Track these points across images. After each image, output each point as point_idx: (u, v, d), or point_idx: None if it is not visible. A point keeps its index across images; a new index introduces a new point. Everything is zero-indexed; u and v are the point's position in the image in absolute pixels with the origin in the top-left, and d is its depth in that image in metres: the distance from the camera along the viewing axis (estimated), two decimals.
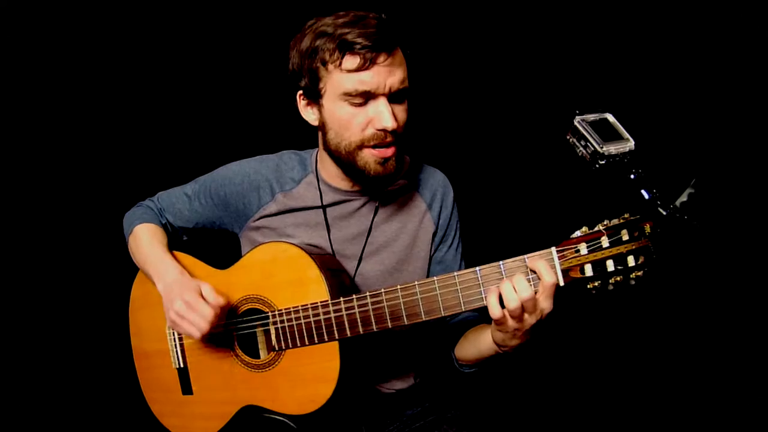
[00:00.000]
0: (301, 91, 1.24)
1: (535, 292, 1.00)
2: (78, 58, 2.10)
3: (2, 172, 2.13)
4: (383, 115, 1.14)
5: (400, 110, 1.19)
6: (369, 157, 1.18)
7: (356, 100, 1.15)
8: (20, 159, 2.14)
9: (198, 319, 1.17)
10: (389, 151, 1.18)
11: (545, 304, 1.01)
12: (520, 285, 0.99)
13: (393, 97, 1.16)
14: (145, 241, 1.37)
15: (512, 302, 0.99)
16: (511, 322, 1.03)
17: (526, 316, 1.02)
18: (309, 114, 1.26)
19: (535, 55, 2.08)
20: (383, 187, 1.33)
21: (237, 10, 2.10)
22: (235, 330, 1.29)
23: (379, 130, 1.15)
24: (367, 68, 1.11)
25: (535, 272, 1.00)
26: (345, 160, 1.21)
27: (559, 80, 2.06)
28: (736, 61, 1.92)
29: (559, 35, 2.06)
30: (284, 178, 1.34)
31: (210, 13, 2.10)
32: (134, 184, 1.77)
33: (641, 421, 2.10)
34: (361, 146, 1.18)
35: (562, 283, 1.00)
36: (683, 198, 0.89)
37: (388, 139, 1.17)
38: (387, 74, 1.13)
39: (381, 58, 1.12)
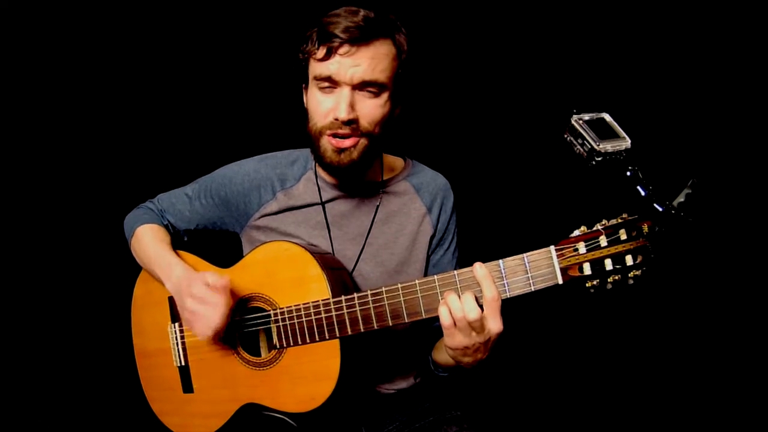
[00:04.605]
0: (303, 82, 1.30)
1: (482, 308, 1.00)
2: (78, 58, 2.12)
3: (5, 173, 2.15)
4: (339, 105, 1.17)
5: (369, 105, 1.20)
6: (327, 144, 1.22)
7: (323, 84, 1.19)
8: (22, 160, 2.16)
9: (210, 311, 1.17)
10: (346, 142, 1.20)
11: (492, 324, 1.01)
12: (468, 305, 1.00)
13: (362, 90, 1.19)
14: (149, 241, 1.38)
15: (458, 317, 1.00)
16: (459, 337, 1.03)
17: (473, 334, 1.02)
18: (305, 102, 1.31)
19: (532, 55, 2.10)
20: (353, 183, 1.33)
21: (237, 10, 2.13)
22: (237, 328, 1.30)
23: (334, 119, 1.18)
24: (328, 57, 1.16)
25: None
26: (313, 145, 1.25)
27: (556, 80, 2.07)
28: (734, 60, 1.94)
29: (557, 35, 2.08)
30: (285, 175, 1.36)
31: (211, 14, 2.12)
32: (135, 184, 1.79)
33: (641, 421, 2.10)
34: (322, 132, 1.21)
35: (561, 282, 1.01)
36: (680, 198, 0.90)
37: (342, 130, 1.18)
38: (349, 65, 1.16)
39: (344, 49, 1.15)
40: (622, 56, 2.02)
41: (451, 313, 1.02)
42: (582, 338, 2.21)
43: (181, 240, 1.48)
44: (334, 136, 1.20)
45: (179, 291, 1.25)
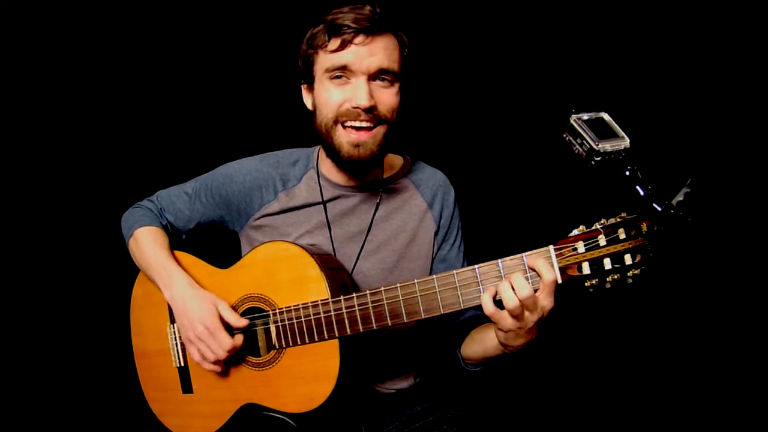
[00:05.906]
0: (303, 79, 1.29)
1: (536, 290, 1.00)
2: (77, 57, 2.12)
3: (2, 172, 2.15)
4: (358, 93, 1.18)
5: (385, 93, 1.21)
6: (343, 136, 1.22)
7: (336, 74, 1.19)
8: (22, 160, 2.16)
9: (217, 347, 1.22)
10: (364, 135, 1.21)
11: (546, 302, 1.01)
12: (519, 283, 1.00)
13: (377, 80, 1.20)
14: (148, 245, 1.37)
15: (511, 301, 1.00)
16: (510, 321, 1.03)
17: (526, 314, 1.02)
18: (308, 100, 1.31)
19: (532, 54, 2.11)
20: (371, 179, 1.34)
21: (236, 8, 2.13)
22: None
23: (353, 107, 1.19)
24: (344, 47, 1.17)
25: (534, 270, 1.01)
26: (326, 141, 1.25)
27: (555, 80, 2.08)
28: (733, 60, 1.94)
29: (556, 35, 2.08)
30: (287, 175, 1.36)
31: (209, 11, 2.12)
32: (135, 183, 1.79)
33: (640, 420, 2.10)
34: (336, 122, 1.21)
35: (560, 281, 1.01)
36: (679, 197, 0.90)
37: (362, 117, 1.19)
38: (366, 54, 1.17)
39: (359, 39, 1.17)
40: (621, 56, 2.02)
41: (513, 295, 1.00)
42: (581, 338, 2.21)
43: (179, 238, 1.47)
44: (351, 127, 1.20)
45: (185, 310, 1.27)
